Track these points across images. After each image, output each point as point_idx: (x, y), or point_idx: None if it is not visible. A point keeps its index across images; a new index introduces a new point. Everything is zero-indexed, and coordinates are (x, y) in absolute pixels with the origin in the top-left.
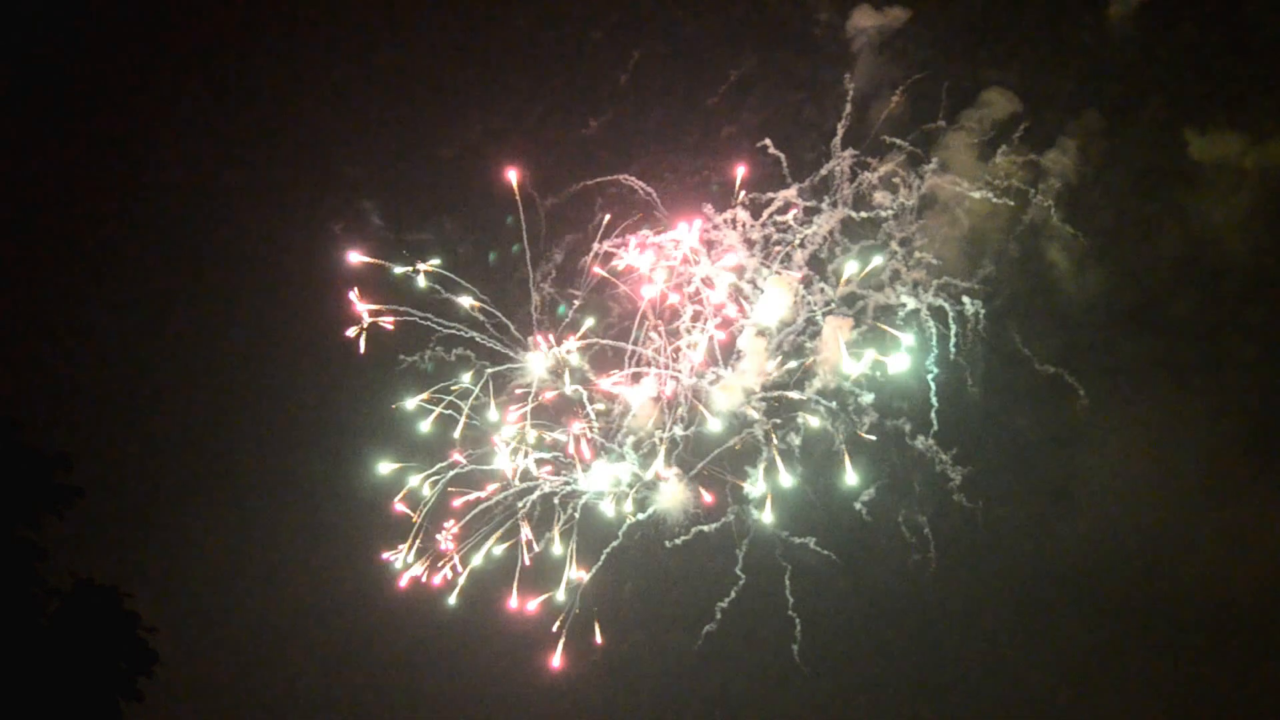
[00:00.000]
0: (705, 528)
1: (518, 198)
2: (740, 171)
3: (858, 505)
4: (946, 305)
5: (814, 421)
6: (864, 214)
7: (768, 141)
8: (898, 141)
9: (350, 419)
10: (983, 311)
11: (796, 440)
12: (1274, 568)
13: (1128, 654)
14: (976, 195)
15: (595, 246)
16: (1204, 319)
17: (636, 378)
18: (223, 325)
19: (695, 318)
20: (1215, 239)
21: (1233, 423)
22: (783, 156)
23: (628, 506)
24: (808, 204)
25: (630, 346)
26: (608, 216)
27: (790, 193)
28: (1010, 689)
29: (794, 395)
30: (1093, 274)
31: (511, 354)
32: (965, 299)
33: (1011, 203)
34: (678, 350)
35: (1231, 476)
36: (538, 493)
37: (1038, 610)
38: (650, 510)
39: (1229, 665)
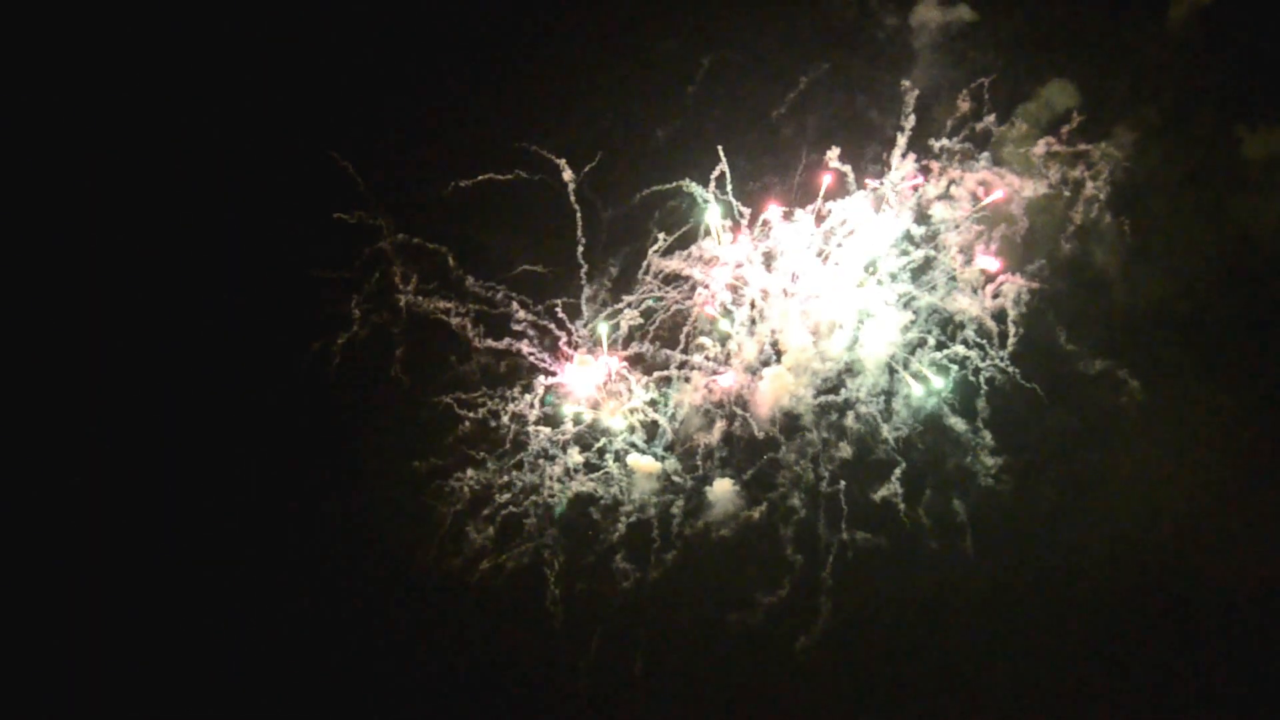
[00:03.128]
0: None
1: (576, 210)
2: (799, 181)
3: (894, 495)
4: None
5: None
6: (924, 228)
7: (833, 155)
8: (949, 144)
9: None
10: (1025, 308)
11: (847, 451)
12: None
13: (1149, 651)
14: (1027, 192)
15: (650, 258)
16: (1251, 318)
17: (684, 379)
18: None
19: (749, 321)
20: (1265, 238)
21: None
22: (849, 170)
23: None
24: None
25: (680, 355)
26: (660, 235)
27: (855, 202)
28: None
29: (837, 398)
30: (1140, 270)
31: (555, 370)
32: (1015, 290)
33: (1068, 192)
34: (728, 355)
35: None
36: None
37: (1062, 604)
38: (701, 521)
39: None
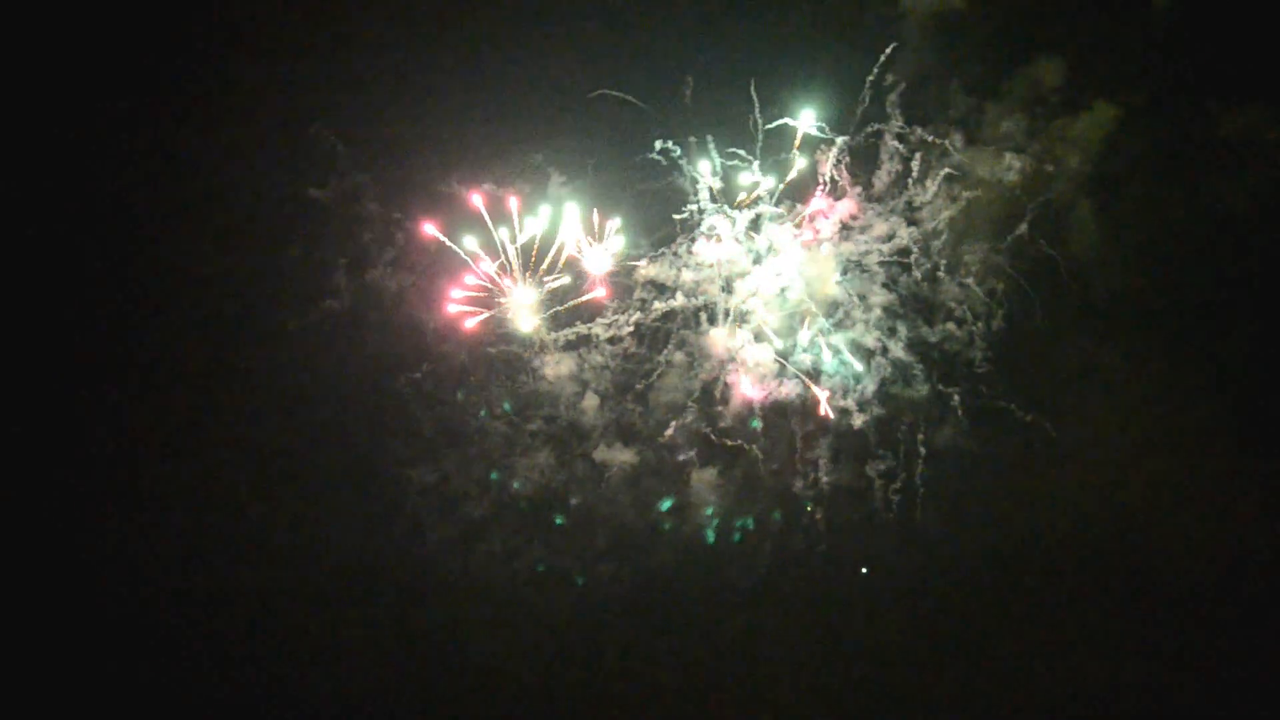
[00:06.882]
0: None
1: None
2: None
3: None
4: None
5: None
6: (913, 229)
7: (826, 156)
8: (925, 134)
9: None
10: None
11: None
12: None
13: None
14: (994, 173)
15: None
16: (1222, 298)
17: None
18: None
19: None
20: (1237, 219)
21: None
22: (839, 166)
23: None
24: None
25: (659, 357)
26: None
27: (849, 204)
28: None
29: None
30: (1113, 250)
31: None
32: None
33: (1050, 168)
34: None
35: (1220, 460)
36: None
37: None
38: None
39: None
